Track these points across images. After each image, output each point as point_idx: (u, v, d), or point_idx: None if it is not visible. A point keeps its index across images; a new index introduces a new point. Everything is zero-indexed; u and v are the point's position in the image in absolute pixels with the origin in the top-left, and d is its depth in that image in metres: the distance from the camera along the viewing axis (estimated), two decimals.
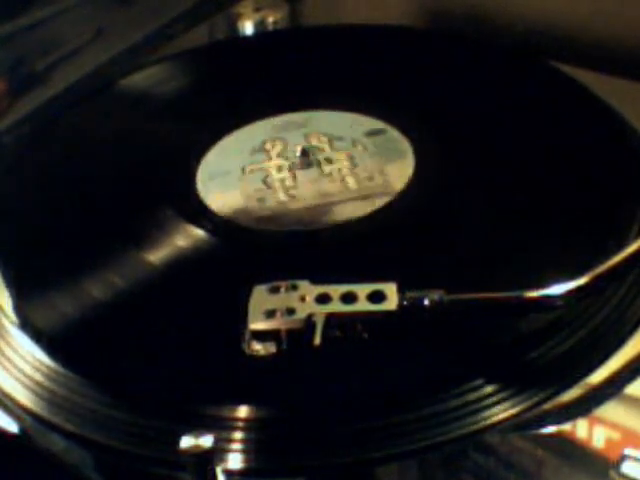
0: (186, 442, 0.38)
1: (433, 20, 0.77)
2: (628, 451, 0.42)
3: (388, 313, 0.44)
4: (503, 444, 0.43)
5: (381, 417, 0.42)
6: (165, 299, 0.49)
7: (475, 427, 0.42)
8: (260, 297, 0.45)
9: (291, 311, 0.44)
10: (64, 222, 0.55)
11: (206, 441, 0.37)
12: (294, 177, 0.56)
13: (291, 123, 0.60)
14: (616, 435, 0.43)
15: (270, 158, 0.57)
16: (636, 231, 0.49)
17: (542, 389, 0.43)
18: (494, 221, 0.51)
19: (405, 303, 0.44)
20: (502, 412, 0.42)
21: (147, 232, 0.53)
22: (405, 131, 0.57)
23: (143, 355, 0.46)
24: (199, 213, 0.53)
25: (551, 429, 0.43)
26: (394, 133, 0.57)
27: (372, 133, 0.57)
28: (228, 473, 0.40)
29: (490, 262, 0.49)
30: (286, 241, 0.52)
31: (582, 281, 0.43)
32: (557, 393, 0.43)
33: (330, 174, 0.55)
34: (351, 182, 0.54)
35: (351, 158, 0.56)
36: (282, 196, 0.54)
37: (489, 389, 0.43)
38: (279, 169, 0.56)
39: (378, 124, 0.58)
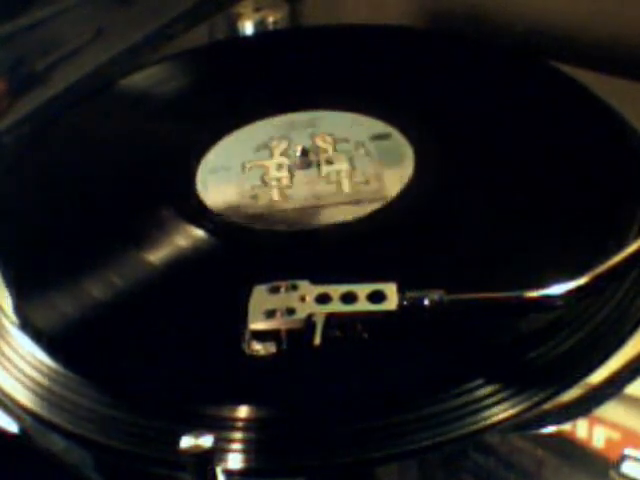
0: (186, 442, 0.38)
1: (433, 20, 0.77)
2: (628, 451, 0.42)
3: (388, 313, 0.44)
4: (503, 444, 0.43)
5: (381, 417, 0.42)
6: (165, 299, 0.49)
7: (475, 427, 0.42)
8: (260, 297, 0.45)
9: (291, 311, 0.44)
10: (64, 222, 0.55)
11: (206, 441, 0.37)
12: (291, 176, 0.56)
13: (299, 122, 0.59)
14: (616, 435, 0.43)
15: (272, 156, 0.57)
16: (636, 231, 0.49)
17: (542, 389, 0.43)
18: (494, 221, 0.51)
19: (405, 303, 0.44)
20: (502, 412, 0.42)
21: (147, 232, 0.53)
22: (405, 130, 0.57)
23: (143, 355, 0.46)
24: (199, 213, 0.53)
25: (551, 429, 0.43)
26: (399, 138, 0.57)
27: (378, 137, 0.57)
28: (228, 473, 0.40)
29: (490, 262, 0.49)
30: (286, 241, 0.52)
31: (582, 281, 0.43)
32: (557, 393, 0.43)
33: (327, 176, 0.55)
34: (346, 186, 0.54)
35: (351, 161, 0.56)
36: (275, 195, 0.54)
37: (489, 389, 0.43)
38: (279, 167, 0.56)
39: (386, 128, 0.57)
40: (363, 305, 0.44)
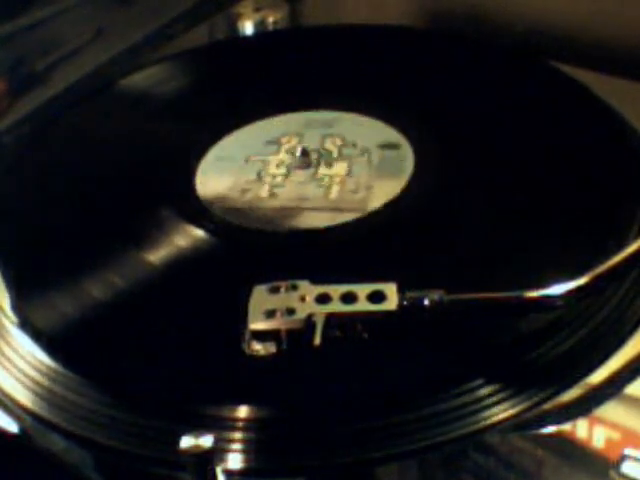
0: (186, 442, 0.38)
1: (433, 20, 0.77)
2: (628, 451, 0.42)
3: (388, 313, 0.44)
4: (503, 444, 0.43)
5: (381, 417, 0.42)
6: (165, 299, 0.49)
7: (475, 427, 0.42)
8: (260, 297, 0.45)
9: (291, 311, 0.44)
10: (64, 222, 0.55)
11: (206, 441, 0.37)
12: (287, 175, 0.56)
13: (317, 121, 0.59)
14: (616, 435, 0.43)
15: (278, 152, 0.57)
16: (636, 231, 0.49)
17: (542, 389, 0.43)
18: (494, 221, 0.51)
19: (405, 303, 0.44)
20: (502, 412, 0.42)
21: (147, 232, 0.53)
22: (404, 130, 0.57)
23: (143, 355, 0.46)
24: (199, 213, 0.53)
25: (551, 429, 0.43)
26: (407, 149, 0.56)
27: (386, 146, 0.56)
28: (228, 473, 0.40)
29: (490, 262, 0.49)
30: (286, 241, 0.52)
31: (582, 281, 0.43)
32: (557, 393, 0.43)
33: (321, 179, 0.55)
34: (334, 191, 0.54)
35: (350, 167, 0.56)
36: (264, 192, 0.54)
37: (489, 389, 0.43)
38: (279, 164, 0.56)
39: (398, 138, 0.57)
40: (363, 305, 0.44)
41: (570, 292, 0.43)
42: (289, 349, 0.44)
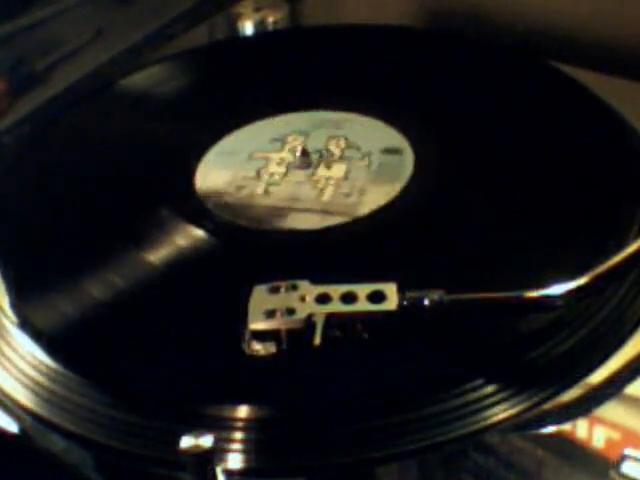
0: (186, 442, 0.38)
1: (433, 20, 0.77)
2: (628, 451, 0.42)
3: (388, 313, 0.44)
4: (503, 444, 0.43)
5: (381, 417, 0.42)
6: (165, 299, 0.49)
7: (475, 427, 0.42)
8: (260, 297, 0.45)
9: (291, 311, 0.44)
10: (64, 222, 0.55)
11: (206, 441, 0.37)
12: (285, 174, 0.56)
13: (327, 121, 0.59)
14: (616, 435, 0.43)
15: (281, 150, 0.57)
16: (636, 231, 0.49)
17: (542, 389, 0.43)
18: (494, 221, 0.51)
19: (405, 303, 0.44)
20: (502, 412, 0.42)
21: (147, 232, 0.53)
22: (403, 130, 0.57)
23: (143, 355, 0.46)
24: (199, 213, 0.53)
25: (551, 429, 0.43)
26: (409, 155, 0.55)
27: (389, 151, 0.56)
28: (228, 473, 0.40)
29: (490, 262, 0.49)
30: (286, 241, 0.52)
31: (582, 281, 0.43)
32: (557, 393, 0.43)
33: (317, 180, 0.55)
34: (327, 194, 0.54)
35: (348, 170, 0.55)
36: (259, 189, 0.55)
37: (489, 389, 0.43)
38: (279, 163, 0.56)
39: (401, 142, 0.56)
40: (363, 305, 0.44)
41: (570, 292, 0.43)
42: (289, 349, 0.44)
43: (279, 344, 0.44)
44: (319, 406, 0.43)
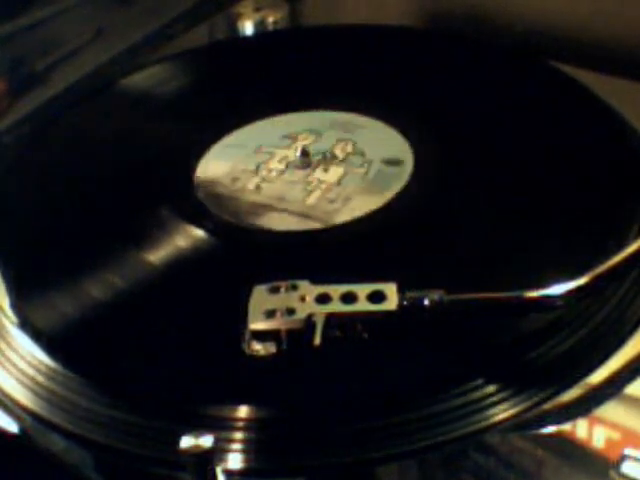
0: (186, 442, 0.38)
1: (433, 20, 0.77)
2: (628, 451, 0.42)
3: (388, 313, 0.44)
4: (503, 444, 0.43)
5: (381, 417, 0.42)
6: (165, 299, 0.49)
7: (475, 427, 0.42)
8: (260, 297, 0.45)
9: (291, 311, 0.44)
10: (64, 222, 0.55)
11: (206, 441, 0.37)
12: (282, 172, 0.56)
13: (341, 123, 0.59)
14: (616, 435, 0.43)
15: (288, 148, 0.57)
16: (636, 231, 0.49)
17: (542, 389, 0.43)
18: (494, 221, 0.51)
19: (405, 303, 0.44)
20: (502, 412, 0.42)
21: (147, 232, 0.53)
22: (402, 129, 0.57)
23: (143, 355, 0.46)
24: (199, 213, 0.53)
25: (551, 429, 0.43)
26: (409, 167, 0.55)
27: (390, 161, 0.55)
28: (228, 473, 0.40)
29: (490, 262, 0.49)
30: (286, 241, 0.52)
31: (582, 281, 0.43)
32: (557, 393, 0.43)
33: (309, 182, 0.55)
34: (313, 197, 0.54)
35: (344, 176, 0.55)
36: (252, 184, 0.55)
37: (489, 389, 0.43)
38: (281, 160, 0.56)
39: (406, 155, 0.56)
40: (363, 305, 0.44)
41: (570, 292, 0.43)
42: (289, 349, 0.44)
43: (279, 344, 0.44)
44: (319, 406, 0.43)
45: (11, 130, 0.66)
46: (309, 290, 0.45)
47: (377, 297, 0.44)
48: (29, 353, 0.47)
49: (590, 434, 0.43)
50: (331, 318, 0.44)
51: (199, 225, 0.52)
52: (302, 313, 0.44)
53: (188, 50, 0.70)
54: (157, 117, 0.62)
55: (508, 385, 0.43)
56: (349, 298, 0.44)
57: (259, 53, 0.69)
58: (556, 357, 0.44)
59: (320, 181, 0.55)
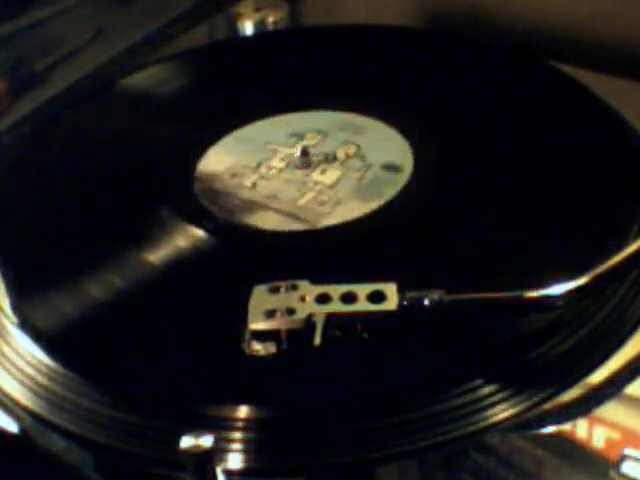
0: (186, 442, 0.38)
1: (433, 20, 0.77)
2: (628, 451, 0.42)
3: (388, 313, 0.44)
4: (503, 444, 0.43)
5: (381, 417, 0.42)
6: (165, 299, 0.49)
7: (475, 427, 0.42)
8: (260, 297, 0.45)
9: (291, 311, 0.44)
10: (64, 222, 0.55)
11: (206, 441, 0.37)
12: (282, 171, 0.56)
13: (351, 125, 0.59)
14: (616, 435, 0.43)
15: (293, 146, 0.57)
16: (636, 231, 0.49)
17: (542, 389, 0.43)
18: (494, 221, 0.51)
19: (405, 303, 0.44)
20: (502, 412, 0.42)
21: (147, 232, 0.53)
22: (402, 130, 0.57)
23: (143, 355, 0.46)
24: (199, 213, 0.53)
25: (551, 429, 0.43)
26: (407, 174, 0.54)
27: (388, 167, 0.55)
28: (228, 473, 0.40)
29: (490, 262, 0.49)
30: (286, 241, 0.52)
31: (582, 281, 0.43)
32: (557, 393, 0.43)
33: (305, 183, 0.55)
34: (305, 199, 0.54)
35: (340, 179, 0.55)
36: (249, 181, 0.55)
37: (489, 389, 0.43)
38: (283, 158, 0.56)
39: (405, 161, 0.55)
40: (363, 305, 0.44)
41: (570, 292, 0.43)
42: (289, 349, 0.44)
43: (279, 344, 0.44)
44: (319, 406, 0.43)
45: (11, 130, 0.66)
46: (309, 290, 0.45)
47: (377, 297, 0.44)
48: (29, 353, 0.47)
49: (590, 434, 0.43)
50: (331, 318, 0.44)
51: (198, 224, 0.52)
52: (302, 313, 0.44)
53: (188, 50, 0.70)
54: (157, 117, 0.62)
55: (508, 385, 0.43)
56: (349, 298, 0.44)
57: (259, 53, 0.69)
58: (556, 357, 0.44)
59: (316, 182, 0.55)
